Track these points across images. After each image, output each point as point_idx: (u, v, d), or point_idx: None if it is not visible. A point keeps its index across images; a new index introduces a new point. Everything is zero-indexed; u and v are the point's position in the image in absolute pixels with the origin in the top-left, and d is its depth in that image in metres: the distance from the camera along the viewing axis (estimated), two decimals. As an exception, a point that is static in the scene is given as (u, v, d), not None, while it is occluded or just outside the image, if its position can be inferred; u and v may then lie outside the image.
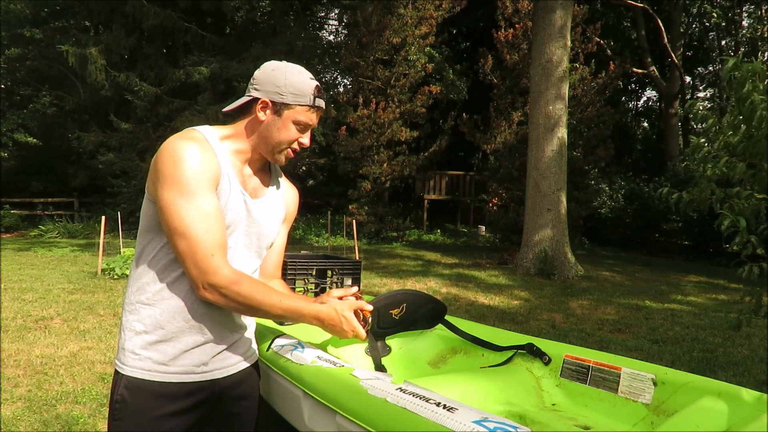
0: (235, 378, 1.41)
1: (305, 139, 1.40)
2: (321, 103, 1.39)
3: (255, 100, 1.35)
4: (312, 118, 1.38)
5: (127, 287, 1.35)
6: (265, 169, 1.46)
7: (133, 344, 1.29)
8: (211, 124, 1.39)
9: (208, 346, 1.33)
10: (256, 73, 1.39)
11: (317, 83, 1.38)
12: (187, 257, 1.22)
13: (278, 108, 1.35)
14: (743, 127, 2.87)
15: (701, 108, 3.17)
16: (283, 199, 1.51)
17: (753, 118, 2.79)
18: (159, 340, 1.28)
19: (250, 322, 1.49)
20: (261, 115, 1.35)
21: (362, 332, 1.40)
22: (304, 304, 1.35)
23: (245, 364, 1.44)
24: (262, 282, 1.35)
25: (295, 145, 1.40)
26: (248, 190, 1.38)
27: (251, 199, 1.37)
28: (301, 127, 1.37)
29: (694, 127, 18.87)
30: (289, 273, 2.24)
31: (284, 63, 1.40)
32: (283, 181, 1.55)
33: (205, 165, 1.25)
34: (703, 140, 3.14)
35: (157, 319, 1.28)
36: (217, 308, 1.32)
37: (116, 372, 1.31)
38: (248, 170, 1.40)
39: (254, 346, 1.52)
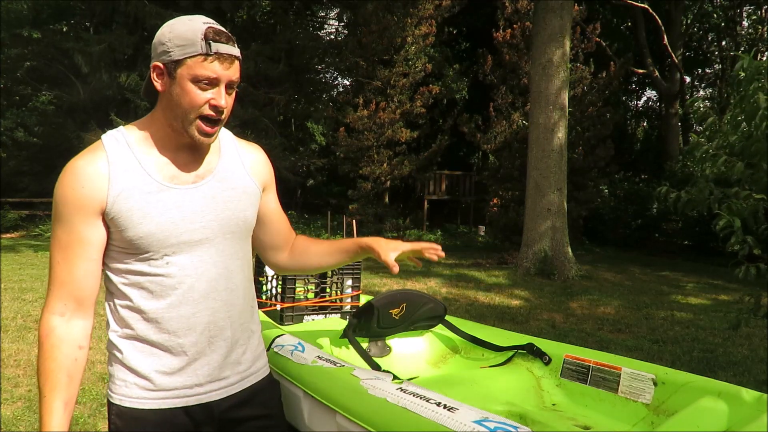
0: (239, 398, 1.26)
1: (219, 100, 1.10)
2: (222, 47, 1.09)
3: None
4: (215, 69, 1.09)
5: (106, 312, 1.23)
6: (208, 147, 1.23)
7: (118, 370, 1.20)
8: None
9: (198, 364, 1.20)
10: None
11: (212, 24, 1.11)
12: None
13: (170, 69, 1.10)
14: (744, 125, 2.87)
15: (701, 106, 3.17)
16: (246, 169, 1.27)
17: (755, 116, 2.78)
18: (142, 362, 1.18)
19: (254, 330, 1.32)
20: (158, 85, 1.12)
21: None
22: (55, 422, 1.09)
23: (251, 381, 1.29)
24: (69, 366, 1.13)
25: (206, 110, 1.11)
26: (183, 181, 1.17)
27: (191, 186, 1.17)
28: (204, 83, 1.09)
29: (694, 126, 18.87)
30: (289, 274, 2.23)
31: (179, 17, 1.14)
32: (239, 148, 1.29)
33: (78, 189, 1.12)
34: (702, 139, 3.12)
35: (137, 342, 1.18)
36: (202, 318, 1.19)
37: (107, 400, 1.22)
38: (182, 157, 1.18)
39: (262, 360, 1.35)
